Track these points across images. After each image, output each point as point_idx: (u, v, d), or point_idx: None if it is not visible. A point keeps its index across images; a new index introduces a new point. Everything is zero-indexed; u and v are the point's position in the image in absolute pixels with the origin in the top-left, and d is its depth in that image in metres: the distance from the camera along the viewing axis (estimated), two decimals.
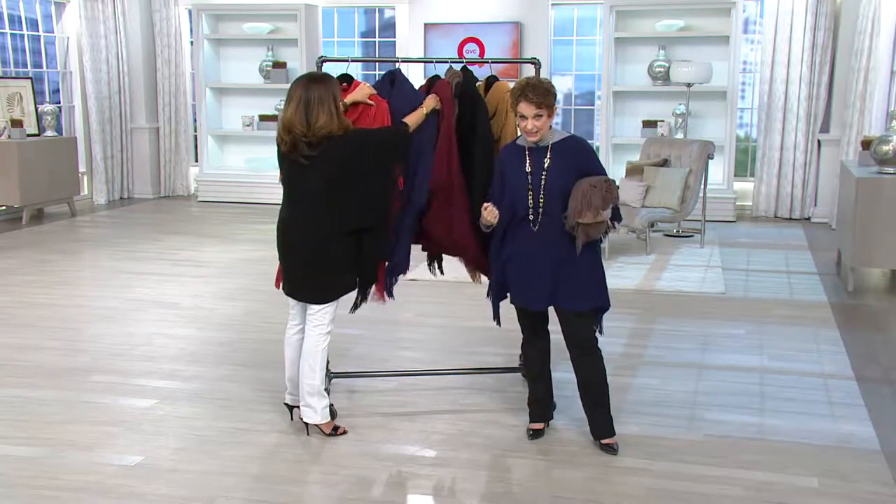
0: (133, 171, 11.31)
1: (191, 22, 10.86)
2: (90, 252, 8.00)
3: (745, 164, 10.34)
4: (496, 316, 3.96)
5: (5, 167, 9.02)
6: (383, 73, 4.20)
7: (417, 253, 4.20)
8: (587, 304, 3.69)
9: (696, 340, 5.33)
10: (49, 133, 9.70)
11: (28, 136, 9.41)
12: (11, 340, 5.29)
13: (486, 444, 3.84)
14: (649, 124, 9.71)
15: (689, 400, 4.36)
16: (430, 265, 4.41)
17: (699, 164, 8.07)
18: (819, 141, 9.51)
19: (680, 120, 9.43)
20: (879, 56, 8.69)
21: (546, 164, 3.63)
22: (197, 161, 11.13)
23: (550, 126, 3.65)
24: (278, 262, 3.94)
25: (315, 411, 3.84)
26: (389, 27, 10.90)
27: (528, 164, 3.65)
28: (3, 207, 9.46)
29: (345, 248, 3.77)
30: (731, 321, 5.74)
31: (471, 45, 10.11)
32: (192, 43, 10.86)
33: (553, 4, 10.13)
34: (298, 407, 3.91)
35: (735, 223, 9.44)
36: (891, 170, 6.53)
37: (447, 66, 4.25)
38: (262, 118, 10.74)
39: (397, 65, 4.35)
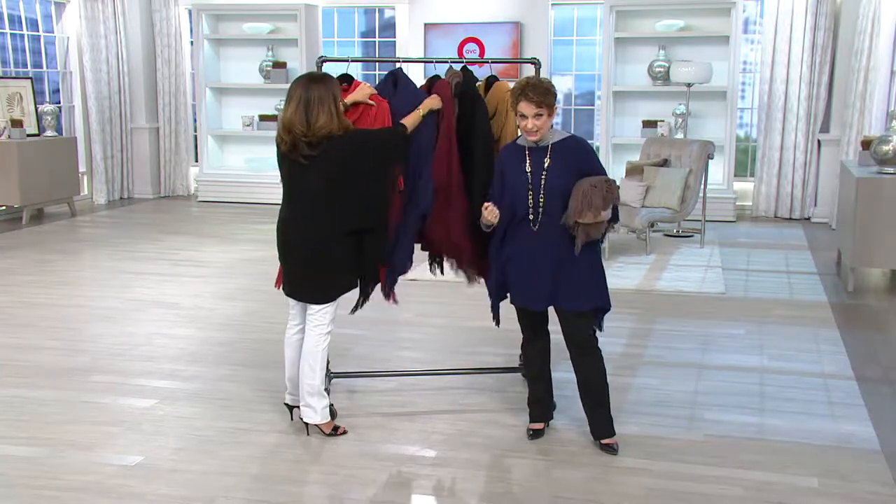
0: (133, 171, 11.31)
1: (191, 22, 10.86)
2: (90, 252, 8.00)
3: (745, 164, 10.34)
4: (496, 316, 3.96)
5: (5, 167, 9.02)
6: (383, 73, 4.20)
7: (418, 253, 4.20)
8: (587, 304, 3.69)
9: (696, 340, 5.33)
10: (49, 133, 9.70)
11: (28, 136, 9.41)
12: (11, 340, 5.29)
13: (486, 444, 3.84)
14: (649, 124, 9.71)
15: (689, 400, 4.36)
16: (430, 265, 4.40)
17: (699, 164, 8.07)
18: (819, 141, 9.51)
19: (680, 120, 9.43)
20: (879, 56, 8.69)
21: (546, 164, 3.63)
22: (197, 161, 11.13)
23: (551, 126, 3.65)
24: (279, 263, 3.94)
25: (315, 411, 3.84)
26: (389, 27, 10.90)
27: (528, 164, 3.65)
28: (3, 207, 9.46)
29: (345, 249, 3.77)
30: (731, 321, 5.74)
31: (471, 45, 10.11)
32: (192, 43, 10.86)
33: (553, 4, 10.13)
34: (298, 407, 3.91)
35: (735, 223, 9.44)
36: (891, 170, 6.53)
37: (447, 66, 4.25)
38: (262, 118, 10.75)
39: (398, 65, 4.35)
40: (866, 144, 7.07)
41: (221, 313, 5.91)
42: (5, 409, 4.22)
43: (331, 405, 3.96)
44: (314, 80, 3.65)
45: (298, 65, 10.30)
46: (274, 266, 4.10)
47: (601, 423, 3.78)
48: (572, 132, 3.81)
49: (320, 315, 3.82)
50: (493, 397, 4.37)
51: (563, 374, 4.20)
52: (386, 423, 4.05)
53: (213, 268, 7.29)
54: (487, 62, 4.38)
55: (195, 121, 11.04)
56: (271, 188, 9.89)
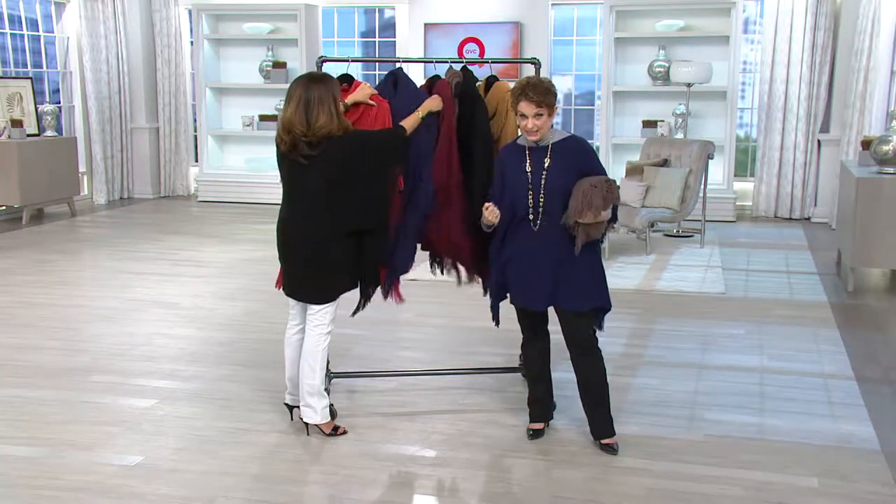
0: (133, 171, 11.31)
1: (191, 22, 10.86)
2: (90, 252, 8.00)
3: (745, 164, 10.34)
4: (495, 317, 3.96)
5: (5, 167, 9.02)
6: (383, 73, 4.20)
7: (418, 253, 4.20)
8: (587, 304, 3.69)
9: (696, 340, 5.33)
10: (49, 133, 9.70)
11: (28, 136, 9.41)
12: (11, 340, 5.29)
13: (486, 444, 3.83)
14: (649, 124, 9.71)
15: (689, 400, 4.36)
16: (431, 265, 4.40)
17: (699, 164, 8.07)
18: (819, 141, 9.51)
19: (680, 120, 9.43)
20: (879, 56, 8.69)
21: (546, 164, 3.63)
22: (197, 161, 11.13)
23: (551, 126, 3.65)
24: (279, 263, 3.93)
25: (315, 411, 3.84)
26: (389, 27, 10.90)
27: (528, 164, 3.65)
28: (3, 207, 9.46)
29: (345, 249, 3.77)
30: (731, 321, 5.74)
31: (471, 45, 10.11)
32: (192, 43, 10.86)
33: (553, 4, 10.13)
34: (298, 407, 3.91)
35: (735, 223, 9.44)
36: (891, 170, 6.53)
37: (447, 66, 4.25)
38: (262, 118, 10.75)
39: (398, 65, 4.35)
40: (866, 144, 7.07)
41: (221, 313, 5.91)
42: (5, 409, 4.22)
43: (331, 405, 3.96)
44: (314, 80, 3.65)
45: (298, 65, 10.30)
46: (274, 266, 4.10)
47: (601, 423, 3.78)
48: (572, 132, 3.81)
49: (320, 315, 3.82)
50: (493, 397, 4.37)
51: (563, 374, 4.20)
52: (386, 423, 4.05)
53: (213, 268, 7.29)
54: (487, 62, 4.38)
55: (195, 121, 11.04)
56: (271, 188, 9.89)
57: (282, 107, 3.82)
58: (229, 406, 4.27)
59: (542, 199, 3.62)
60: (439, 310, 5.89)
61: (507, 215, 3.67)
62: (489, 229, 3.74)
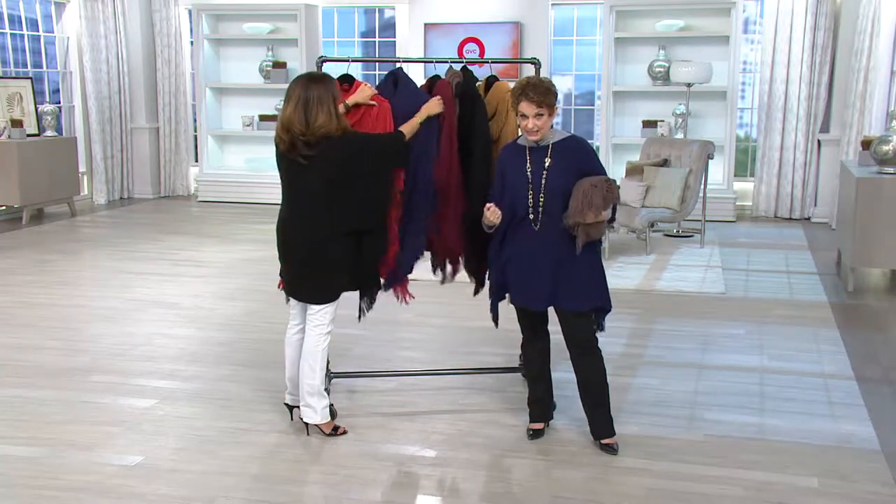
0: (133, 171, 11.31)
1: (191, 22, 10.86)
2: (90, 252, 8.00)
3: (745, 164, 10.34)
4: (495, 318, 3.96)
5: (5, 167, 9.02)
6: (383, 73, 4.20)
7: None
8: (587, 304, 3.69)
9: (696, 340, 5.33)
10: (49, 133, 9.70)
11: (28, 136, 9.41)
12: (11, 340, 5.29)
13: (486, 444, 3.83)
14: (649, 124, 9.71)
15: (689, 400, 4.36)
16: (433, 266, 4.40)
17: (699, 164, 8.07)
18: (819, 141, 9.51)
19: (680, 120, 9.43)
20: (879, 56, 8.69)
21: (547, 164, 3.63)
22: (197, 161, 11.13)
23: (551, 126, 3.65)
24: (279, 263, 3.93)
25: (315, 411, 3.84)
26: (389, 27, 10.90)
27: (528, 164, 3.65)
28: (3, 207, 9.46)
29: (343, 249, 3.77)
30: (731, 321, 5.74)
31: (471, 45, 10.11)
32: (192, 43, 10.86)
33: (553, 4, 10.13)
34: (298, 407, 3.91)
35: (735, 223, 9.44)
36: (891, 170, 6.53)
37: (447, 66, 4.25)
38: (262, 118, 10.75)
39: (398, 65, 4.35)
40: (866, 144, 7.07)
41: (221, 313, 5.91)
42: (5, 409, 4.22)
43: (331, 405, 3.96)
44: (314, 80, 3.65)
45: (298, 65, 10.30)
46: (274, 266, 4.10)
47: (601, 423, 3.78)
48: (572, 132, 3.82)
49: (320, 315, 3.82)
50: (493, 397, 4.37)
51: (563, 374, 4.20)
52: (386, 423, 4.05)
53: (213, 268, 7.29)
54: (487, 62, 4.38)
55: (195, 121, 11.04)
56: (271, 188, 9.87)
57: (281, 106, 3.82)
58: (229, 406, 4.27)
59: (542, 199, 3.62)
60: (439, 310, 5.89)
61: (507, 215, 3.67)
62: (490, 230, 3.74)
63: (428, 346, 5.22)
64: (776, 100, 9.49)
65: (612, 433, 3.78)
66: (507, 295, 3.85)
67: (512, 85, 3.73)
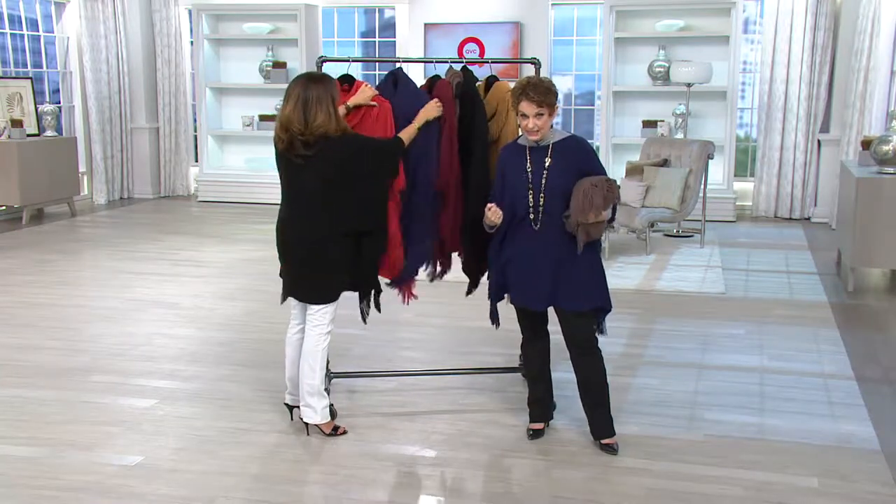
0: (133, 171, 11.31)
1: (191, 22, 10.86)
2: (90, 252, 8.00)
3: (745, 164, 10.34)
4: (494, 318, 3.96)
5: (5, 167, 9.02)
6: (383, 73, 4.20)
7: None
8: (587, 304, 3.69)
9: (696, 340, 5.33)
10: (49, 133, 9.70)
11: (28, 136, 9.41)
12: (11, 340, 5.29)
13: (486, 444, 3.83)
14: (649, 124, 9.71)
15: (689, 400, 4.36)
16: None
17: (699, 164, 8.07)
18: (819, 141, 9.51)
19: (680, 120, 9.43)
20: (879, 56, 8.69)
21: (547, 164, 3.63)
22: (197, 161, 11.13)
23: (551, 126, 3.65)
24: (279, 263, 3.94)
25: (315, 411, 3.84)
26: (389, 27, 10.90)
27: (528, 164, 3.65)
28: (3, 207, 9.46)
29: (342, 249, 3.77)
30: (731, 321, 5.74)
31: (471, 45, 10.11)
32: (192, 43, 10.86)
33: (553, 4, 10.13)
34: (298, 407, 3.91)
35: (735, 223, 9.44)
36: (891, 170, 6.53)
37: (447, 66, 4.25)
38: (262, 118, 10.74)
39: (398, 65, 4.35)
40: (866, 144, 7.07)
41: (221, 313, 5.91)
42: (5, 409, 4.22)
43: (331, 405, 3.96)
44: (313, 80, 3.65)
45: (298, 65, 10.30)
46: (274, 266, 4.10)
47: (601, 423, 3.78)
48: (572, 132, 3.82)
49: (320, 315, 3.82)
50: (493, 397, 4.37)
51: (563, 374, 4.20)
52: (386, 423, 4.05)
53: (213, 268, 7.29)
54: (487, 62, 4.38)
55: (195, 121, 11.04)
56: (271, 188, 9.87)
57: (281, 106, 3.82)
58: (229, 406, 4.27)
59: (542, 199, 3.63)
60: (439, 310, 5.89)
61: (507, 215, 3.67)
62: (491, 230, 3.74)
63: (428, 346, 5.22)
64: (776, 100, 9.49)
65: (612, 433, 3.78)
66: (505, 296, 3.86)
67: (512, 85, 3.73)
